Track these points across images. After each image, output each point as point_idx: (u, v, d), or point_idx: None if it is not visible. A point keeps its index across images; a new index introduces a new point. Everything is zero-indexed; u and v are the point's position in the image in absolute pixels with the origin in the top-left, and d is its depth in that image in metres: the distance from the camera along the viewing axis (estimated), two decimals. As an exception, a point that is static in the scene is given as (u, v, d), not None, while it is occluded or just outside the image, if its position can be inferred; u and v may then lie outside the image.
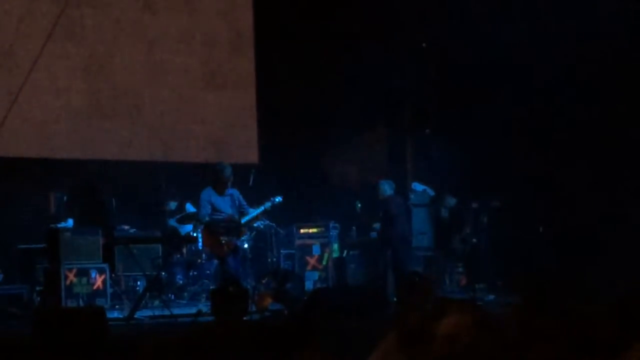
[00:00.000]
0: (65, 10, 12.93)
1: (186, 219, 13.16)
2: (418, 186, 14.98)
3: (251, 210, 11.98)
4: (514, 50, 13.31)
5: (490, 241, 13.77)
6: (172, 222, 13.40)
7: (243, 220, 11.88)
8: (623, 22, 13.02)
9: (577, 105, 13.52)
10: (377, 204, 13.40)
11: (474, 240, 13.86)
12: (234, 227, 11.70)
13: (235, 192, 11.86)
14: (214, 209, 11.74)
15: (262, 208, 12.09)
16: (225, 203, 11.77)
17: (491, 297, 12.85)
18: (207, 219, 11.76)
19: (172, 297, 12.76)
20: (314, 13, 14.74)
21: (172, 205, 13.48)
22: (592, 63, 13.22)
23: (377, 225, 13.44)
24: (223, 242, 11.62)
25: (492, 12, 13.63)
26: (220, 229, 11.66)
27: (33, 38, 12.86)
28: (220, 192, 11.77)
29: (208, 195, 11.76)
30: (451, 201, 14.35)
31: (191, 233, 12.59)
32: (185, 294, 12.97)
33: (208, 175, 12.20)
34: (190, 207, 13.35)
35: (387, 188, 13.24)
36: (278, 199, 12.13)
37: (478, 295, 12.60)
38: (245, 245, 12.11)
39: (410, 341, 3.43)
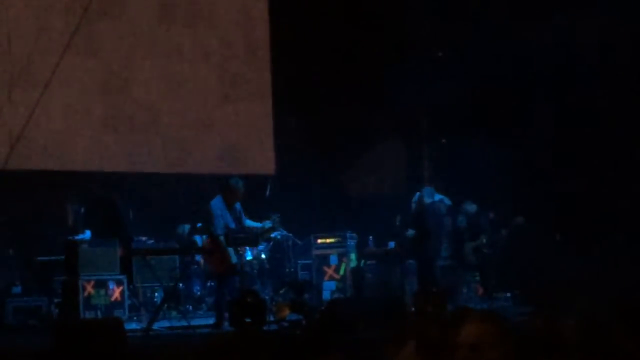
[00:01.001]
0: (82, 24, 12.99)
1: (200, 230, 13.08)
2: (435, 195, 14.91)
3: (248, 222, 11.81)
4: (533, 58, 13.25)
5: (506, 252, 13.67)
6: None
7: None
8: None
9: (601, 115, 13.42)
10: (410, 213, 13.34)
11: (486, 251, 13.76)
12: (253, 237, 11.57)
13: (237, 204, 11.77)
14: None
15: (261, 225, 11.92)
16: (232, 217, 11.60)
17: (508, 305, 12.78)
18: (222, 232, 11.41)
19: (190, 308, 12.77)
20: (330, 23, 14.75)
21: (185, 227, 13.36)
22: (620, 72, 13.11)
23: (410, 232, 13.37)
24: (240, 252, 11.45)
25: (511, 19, 13.57)
26: (239, 240, 11.43)
27: (51, 51, 12.92)
28: (230, 206, 11.59)
29: (220, 208, 11.46)
30: (471, 207, 14.22)
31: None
32: (203, 305, 12.98)
33: (219, 187, 11.96)
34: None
35: (427, 197, 13.19)
36: (276, 216, 11.95)
37: (495, 304, 12.55)
38: (263, 256, 12.06)
39: (429, 350, 3.43)
